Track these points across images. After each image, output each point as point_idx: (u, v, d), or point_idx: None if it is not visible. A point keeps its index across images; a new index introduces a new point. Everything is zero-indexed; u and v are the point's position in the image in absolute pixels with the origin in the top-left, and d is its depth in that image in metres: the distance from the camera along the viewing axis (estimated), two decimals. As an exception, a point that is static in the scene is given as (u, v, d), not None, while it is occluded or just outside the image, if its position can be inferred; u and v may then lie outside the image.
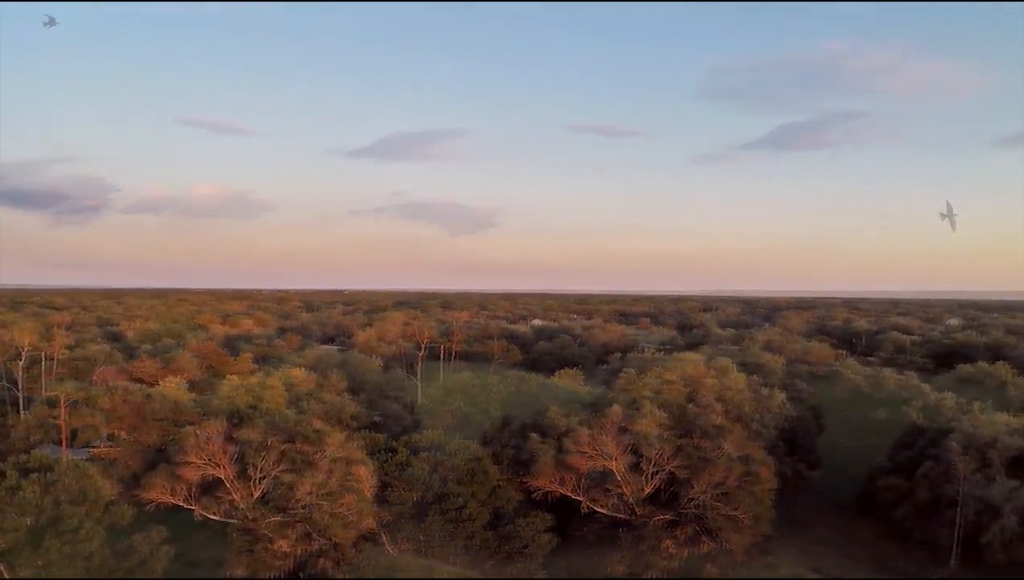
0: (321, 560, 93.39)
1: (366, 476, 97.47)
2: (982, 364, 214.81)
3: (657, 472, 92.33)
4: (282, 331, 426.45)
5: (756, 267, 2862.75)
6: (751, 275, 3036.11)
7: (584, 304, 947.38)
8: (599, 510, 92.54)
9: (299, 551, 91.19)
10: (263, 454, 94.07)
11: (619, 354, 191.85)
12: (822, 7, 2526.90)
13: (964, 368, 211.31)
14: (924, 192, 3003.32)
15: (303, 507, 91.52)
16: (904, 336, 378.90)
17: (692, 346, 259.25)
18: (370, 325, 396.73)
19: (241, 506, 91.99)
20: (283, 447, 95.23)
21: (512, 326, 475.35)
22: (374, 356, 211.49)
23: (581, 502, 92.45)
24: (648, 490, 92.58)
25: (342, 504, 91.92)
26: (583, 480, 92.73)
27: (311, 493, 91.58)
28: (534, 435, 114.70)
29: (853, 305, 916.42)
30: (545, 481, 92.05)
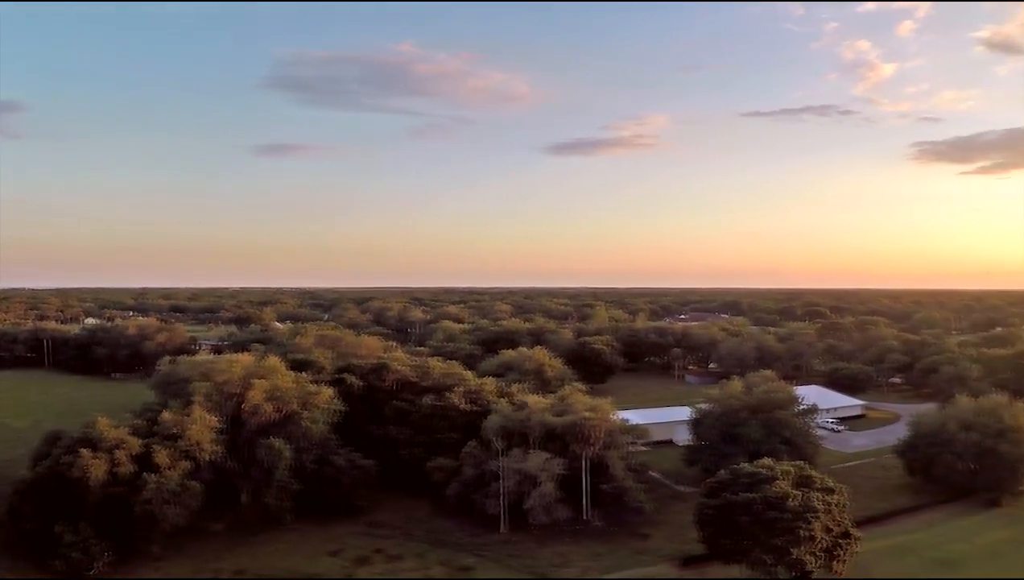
0: None
1: None
2: (523, 349, 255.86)
3: None
4: None
5: (319, 260, 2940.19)
6: (313, 267, 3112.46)
7: (140, 299, 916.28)
8: None
9: None
10: None
11: (169, 358, 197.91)
12: (396, 10, 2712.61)
13: (507, 353, 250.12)
14: (484, 193, 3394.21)
15: None
16: (455, 324, 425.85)
17: (249, 343, 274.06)
18: None
19: None
20: None
21: (64, 327, 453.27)
22: None
23: None
24: None
25: None
26: None
27: None
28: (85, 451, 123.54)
29: (413, 295, 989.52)
30: None
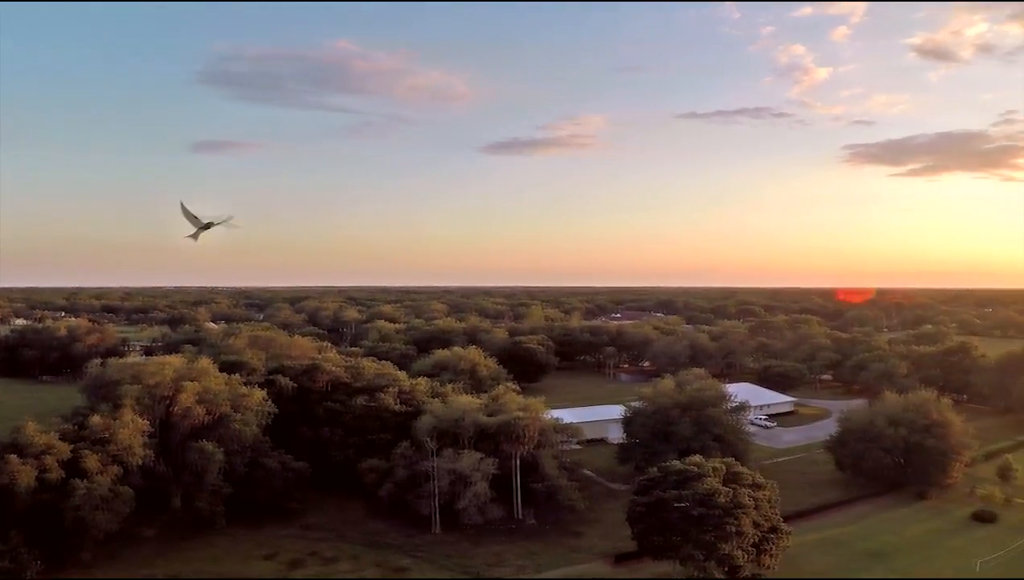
0: None
1: None
2: (457, 349, 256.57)
3: None
4: None
5: (254, 259, 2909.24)
6: (249, 266, 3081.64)
7: (72, 299, 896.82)
8: None
9: None
10: None
11: (99, 360, 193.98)
12: (333, 7, 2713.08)
13: (441, 353, 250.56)
14: (421, 192, 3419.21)
15: None
16: (389, 324, 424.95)
17: (181, 344, 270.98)
18: None
19: None
20: None
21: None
22: None
23: None
24: None
25: None
26: None
27: None
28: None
29: (348, 294, 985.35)
30: None
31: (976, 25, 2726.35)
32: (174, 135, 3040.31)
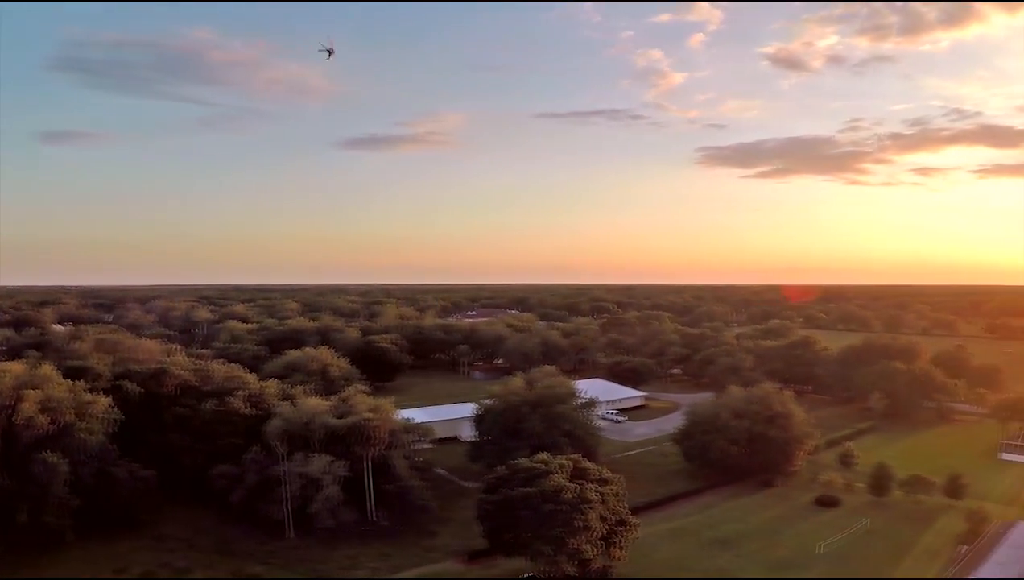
0: None
1: None
2: (309, 349, 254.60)
3: None
4: None
5: (104, 256, 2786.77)
6: (98, 263, 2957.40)
7: None
8: None
9: None
10: None
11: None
12: None
13: (292, 353, 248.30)
14: (276, 186, 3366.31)
15: None
16: (241, 324, 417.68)
17: (26, 348, 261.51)
18: None
19: None
20: None
21: None
22: None
23: None
24: None
25: None
26: None
27: None
28: None
29: (201, 293, 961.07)
30: None
31: (827, 37, 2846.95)
32: (20, 124, 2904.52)
